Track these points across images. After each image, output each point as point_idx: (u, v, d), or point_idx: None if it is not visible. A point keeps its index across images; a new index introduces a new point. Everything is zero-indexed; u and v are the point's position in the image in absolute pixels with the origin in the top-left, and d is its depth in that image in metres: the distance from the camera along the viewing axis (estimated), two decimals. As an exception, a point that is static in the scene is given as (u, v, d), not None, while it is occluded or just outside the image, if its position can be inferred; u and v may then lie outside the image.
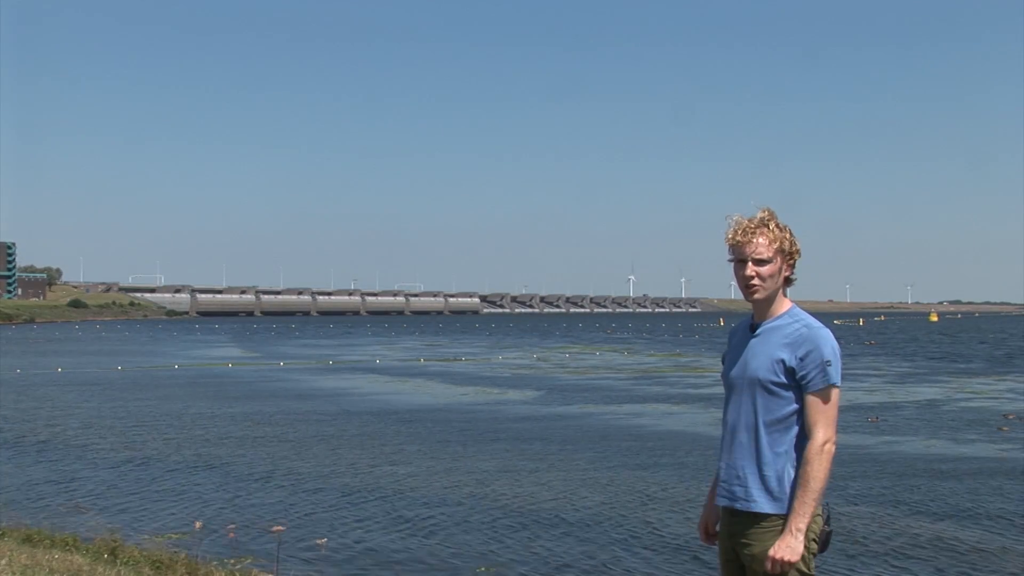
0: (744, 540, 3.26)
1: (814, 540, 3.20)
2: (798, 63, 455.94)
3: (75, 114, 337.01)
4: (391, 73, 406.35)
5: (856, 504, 9.91)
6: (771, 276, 3.28)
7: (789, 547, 3.12)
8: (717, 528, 3.48)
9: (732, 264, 3.36)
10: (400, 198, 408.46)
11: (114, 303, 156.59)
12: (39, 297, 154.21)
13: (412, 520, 9.38)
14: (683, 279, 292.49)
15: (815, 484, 3.13)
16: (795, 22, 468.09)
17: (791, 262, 3.32)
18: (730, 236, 3.32)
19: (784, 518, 3.19)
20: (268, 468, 12.34)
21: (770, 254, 3.26)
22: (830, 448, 3.16)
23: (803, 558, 3.17)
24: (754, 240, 3.27)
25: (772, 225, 3.28)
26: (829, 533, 3.24)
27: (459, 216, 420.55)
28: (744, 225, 3.30)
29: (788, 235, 3.30)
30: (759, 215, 3.31)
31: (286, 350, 48.17)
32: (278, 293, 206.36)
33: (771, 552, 3.15)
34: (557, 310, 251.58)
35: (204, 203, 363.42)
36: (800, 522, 3.13)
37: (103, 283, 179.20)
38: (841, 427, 16.25)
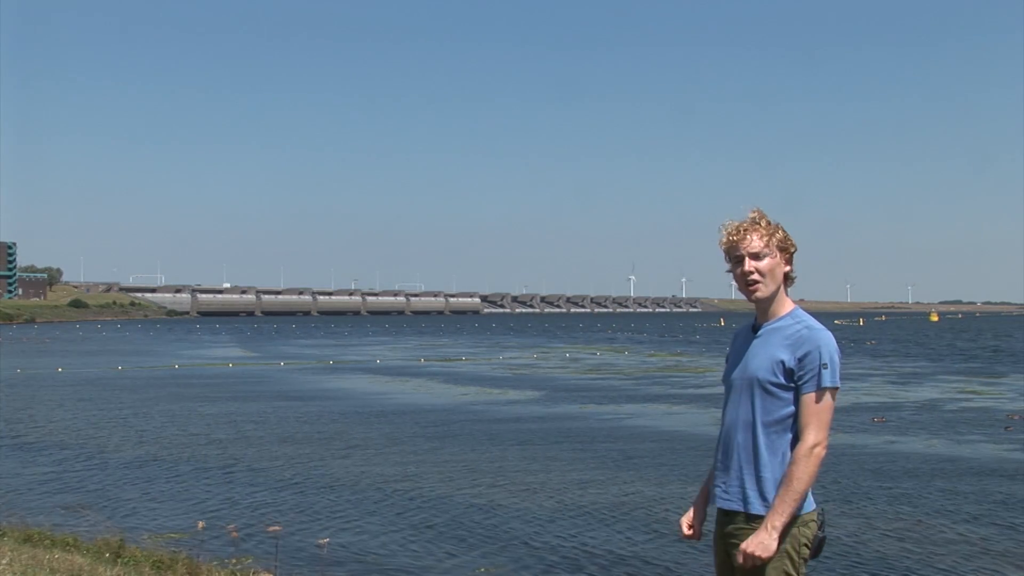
0: (735, 540, 3.24)
1: (806, 545, 3.18)
2: (798, 63, 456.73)
3: (75, 114, 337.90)
4: (391, 73, 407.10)
5: (859, 504, 9.89)
6: (770, 271, 3.30)
7: (762, 543, 3.10)
8: (703, 527, 3.47)
9: (731, 269, 3.38)
10: (400, 198, 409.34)
11: (115, 303, 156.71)
12: (40, 297, 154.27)
13: (414, 520, 9.36)
14: (683, 279, 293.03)
15: (798, 485, 3.11)
16: (794, 22, 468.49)
17: (787, 257, 3.34)
18: (724, 239, 3.36)
19: None
20: (268, 468, 12.32)
21: (764, 248, 3.29)
22: (819, 452, 3.14)
23: (793, 563, 3.14)
24: (747, 237, 3.30)
25: (763, 223, 3.33)
26: (823, 539, 3.22)
27: (459, 216, 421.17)
28: (735, 226, 3.35)
29: (780, 231, 3.33)
30: (749, 216, 3.36)
31: (286, 350, 48.16)
32: (278, 293, 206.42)
33: (743, 545, 3.13)
34: (558, 310, 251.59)
35: (204, 203, 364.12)
36: (777, 520, 3.11)
37: (104, 283, 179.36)
38: (845, 427, 16.02)
